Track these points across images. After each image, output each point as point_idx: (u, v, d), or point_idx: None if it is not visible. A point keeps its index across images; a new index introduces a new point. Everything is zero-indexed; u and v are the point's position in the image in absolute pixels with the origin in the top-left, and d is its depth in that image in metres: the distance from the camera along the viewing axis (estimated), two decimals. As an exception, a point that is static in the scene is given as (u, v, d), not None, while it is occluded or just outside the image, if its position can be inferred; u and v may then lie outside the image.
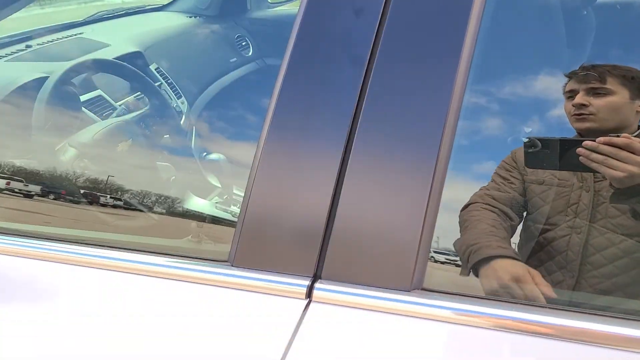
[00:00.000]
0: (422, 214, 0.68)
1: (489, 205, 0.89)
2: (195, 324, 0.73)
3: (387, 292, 0.67)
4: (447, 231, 0.77)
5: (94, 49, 1.84)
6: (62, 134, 1.32)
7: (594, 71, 0.87)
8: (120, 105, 1.60)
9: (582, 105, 0.84)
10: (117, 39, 1.98)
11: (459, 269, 0.85)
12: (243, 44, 2.33)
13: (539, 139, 0.84)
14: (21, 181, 1.21)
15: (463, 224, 0.88)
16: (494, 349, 0.63)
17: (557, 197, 0.87)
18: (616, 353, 0.59)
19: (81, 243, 0.82)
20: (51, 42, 1.88)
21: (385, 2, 0.71)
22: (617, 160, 0.76)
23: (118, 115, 1.52)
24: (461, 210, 0.90)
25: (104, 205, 1.14)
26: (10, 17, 1.53)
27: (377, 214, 0.69)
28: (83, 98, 1.49)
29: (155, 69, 1.91)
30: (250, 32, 2.36)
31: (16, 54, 1.73)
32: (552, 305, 0.64)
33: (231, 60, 2.24)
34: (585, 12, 1.48)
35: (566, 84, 0.90)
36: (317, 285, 0.70)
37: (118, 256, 0.78)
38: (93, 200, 1.13)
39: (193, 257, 0.77)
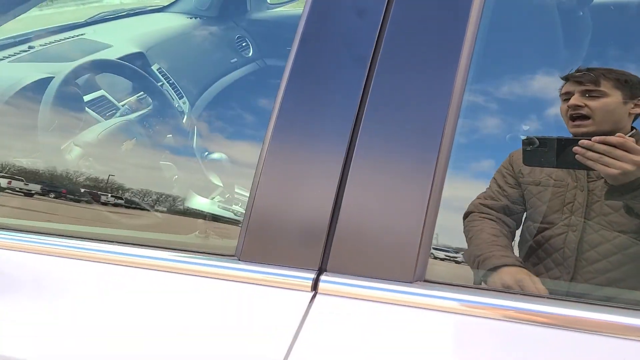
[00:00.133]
0: (424, 208, 0.70)
1: (487, 214, 0.92)
2: (203, 317, 0.76)
3: (391, 283, 0.70)
4: (446, 228, 0.79)
5: (97, 50, 1.86)
6: (68, 134, 1.35)
7: (590, 74, 0.89)
8: (123, 105, 1.62)
9: (578, 107, 0.87)
10: (119, 40, 2.00)
11: (459, 264, 0.88)
12: (243, 44, 2.36)
13: (537, 138, 0.86)
14: (21, 180, 1.23)
15: (467, 234, 0.92)
16: (494, 337, 0.65)
17: (553, 197, 0.90)
18: (610, 340, 0.61)
19: (91, 239, 0.84)
20: (53, 43, 1.90)
21: (387, 4, 0.73)
22: (611, 158, 0.79)
23: (121, 115, 1.54)
24: (463, 219, 0.94)
25: (110, 204, 1.16)
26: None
27: (380, 208, 0.72)
28: (87, 98, 1.51)
29: (157, 70, 1.93)
30: (250, 32, 2.39)
31: (19, 55, 1.75)
32: (550, 295, 0.67)
33: (231, 61, 2.26)
34: (582, 13, 1.51)
35: (562, 86, 0.92)
36: (322, 278, 0.73)
37: (128, 252, 0.81)
38: (100, 199, 1.15)
39: (201, 252, 0.80)
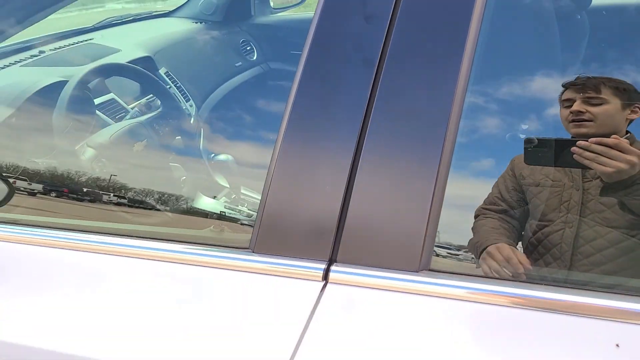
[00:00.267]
0: (428, 201, 0.74)
1: (490, 217, 0.98)
2: (220, 306, 0.80)
3: (398, 272, 0.74)
4: (448, 225, 0.83)
5: (106, 54, 1.90)
6: (82, 135, 1.39)
7: (590, 82, 0.95)
8: (133, 108, 1.66)
9: (580, 112, 0.92)
10: (127, 44, 2.05)
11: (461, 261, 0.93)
12: (247, 48, 2.40)
13: (537, 139, 0.92)
14: (25, 180, 1.27)
15: (473, 230, 0.98)
16: (496, 322, 0.69)
17: (551, 196, 0.95)
18: (606, 323, 0.65)
19: (110, 234, 0.89)
20: (63, 47, 1.95)
21: (393, 9, 0.78)
22: (607, 157, 0.85)
23: (132, 118, 1.58)
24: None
25: (127, 204, 1.20)
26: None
27: (387, 202, 0.76)
28: (99, 101, 1.56)
29: (164, 73, 1.98)
30: (254, 36, 2.43)
31: (31, 60, 1.80)
32: (550, 282, 0.71)
33: (236, 65, 2.31)
34: (579, 17, 1.56)
35: (562, 93, 0.97)
36: (332, 268, 0.77)
37: (149, 245, 0.85)
38: (116, 199, 1.20)
39: (217, 245, 0.84)
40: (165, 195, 1.31)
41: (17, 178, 1.27)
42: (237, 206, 1.35)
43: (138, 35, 2.24)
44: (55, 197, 1.21)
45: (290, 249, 0.79)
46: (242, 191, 1.46)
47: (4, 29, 1.50)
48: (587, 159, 0.86)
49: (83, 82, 1.42)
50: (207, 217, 1.26)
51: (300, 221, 0.79)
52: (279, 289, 0.79)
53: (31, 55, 1.82)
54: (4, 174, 1.28)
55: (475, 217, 1.00)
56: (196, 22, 2.39)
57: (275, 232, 0.81)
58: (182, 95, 1.95)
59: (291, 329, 0.75)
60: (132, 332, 0.80)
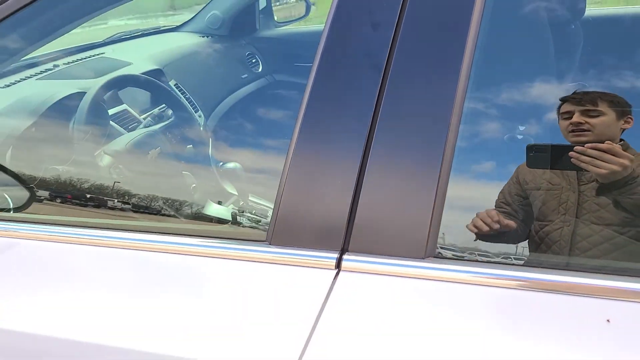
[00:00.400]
0: (433, 194, 0.80)
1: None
2: (240, 295, 0.86)
3: (406, 260, 0.80)
4: (451, 215, 0.89)
5: (118, 67, 1.97)
6: (101, 142, 1.46)
7: (587, 96, 1.03)
8: (148, 117, 1.73)
9: (579, 123, 1.00)
10: (138, 58, 2.12)
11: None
12: (253, 61, 2.47)
13: (539, 145, 1.00)
14: (46, 185, 1.33)
15: None
16: (495, 302, 0.76)
17: (551, 198, 1.03)
18: (595, 300, 0.72)
19: (138, 231, 0.95)
20: (76, 61, 2.02)
21: (398, 18, 0.84)
22: (601, 160, 0.93)
23: (146, 126, 1.65)
24: None
25: (150, 207, 1.27)
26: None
27: (394, 196, 0.82)
28: (115, 110, 1.63)
29: (174, 85, 2.05)
30: (259, 49, 2.51)
31: (46, 73, 1.87)
32: (546, 265, 0.77)
33: (242, 76, 2.38)
34: (573, 27, 1.63)
35: (560, 106, 1.05)
36: (345, 257, 0.83)
37: (177, 241, 0.92)
38: (138, 203, 1.26)
39: (237, 239, 0.91)
40: (186, 199, 1.38)
41: (39, 185, 1.34)
42: (252, 205, 1.41)
43: (147, 49, 2.32)
44: (77, 201, 1.27)
45: (304, 241, 0.86)
46: (251, 198, 1.52)
47: (23, 46, 1.56)
48: (584, 162, 0.94)
49: (102, 92, 1.49)
50: (226, 215, 1.33)
51: (314, 214, 0.86)
52: (295, 278, 0.85)
53: (46, 69, 1.89)
54: (25, 180, 1.34)
55: None
56: (203, 36, 2.47)
57: (290, 225, 0.87)
58: (191, 105, 2.02)
59: (307, 313, 0.81)
60: (167, 316, 0.86)
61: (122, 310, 0.90)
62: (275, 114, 2.07)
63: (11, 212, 1.20)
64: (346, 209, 0.84)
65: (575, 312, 0.73)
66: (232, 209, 1.34)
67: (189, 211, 1.34)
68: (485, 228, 0.94)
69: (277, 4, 2.71)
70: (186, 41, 2.42)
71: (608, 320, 0.71)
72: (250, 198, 1.41)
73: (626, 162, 0.93)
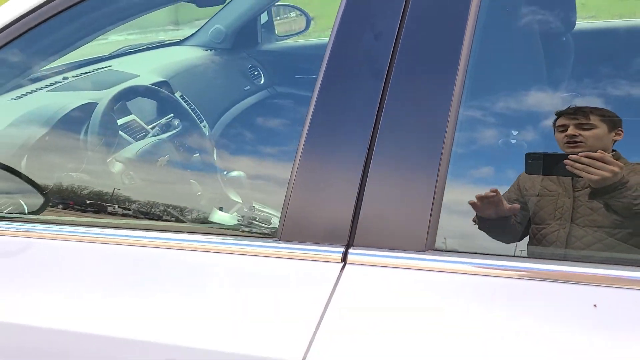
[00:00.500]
0: (432, 192, 0.86)
1: None
2: (254, 287, 0.92)
3: (406, 252, 0.86)
4: (450, 211, 0.95)
5: (125, 79, 2.04)
6: (112, 150, 1.52)
7: (581, 111, 1.10)
8: (157, 126, 1.80)
9: (574, 136, 1.08)
10: (144, 71, 2.19)
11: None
12: (255, 73, 2.54)
13: (537, 153, 1.08)
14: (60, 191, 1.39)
15: None
16: (491, 290, 0.82)
17: (548, 203, 1.09)
18: (583, 287, 0.78)
19: (156, 230, 1.01)
20: (85, 74, 2.09)
21: (398, 29, 0.91)
22: (593, 167, 1.00)
23: (155, 135, 1.71)
24: None
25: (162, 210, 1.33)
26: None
27: (396, 193, 0.88)
28: (127, 119, 1.69)
29: (180, 96, 2.11)
30: (261, 62, 2.58)
31: (56, 85, 1.93)
32: (538, 256, 0.83)
33: (245, 88, 2.45)
34: (565, 39, 1.70)
35: (556, 119, 1.12)
36: (350, 251, 0.89)
37: (195, 239, 0.99)
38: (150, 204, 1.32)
39: (250, 236, 0.97)
40: (200, 202, 1.44)
41: (53, 191, 1.39)
42: (261, 207, 1.47)
43: (153, 62, 2.38)
44: (90, 206, 1.33)
45: (312, 236, 0.92)
46: (257, 202, 1.57)
47: (34, 62, 1.61)
48: (578, 169, 1.01)
49: (114, 102, 1.56)
50: (239, 215, 1.39)
51: (321, 212, 0.92)
52: (304, 271, 0.91)
53: (56, 82, 1.95)
54: (40, 186, 1.40)
55: None
56: (206, 50, 2.54)
57: (299, 223, 0.93)
58: (196, 116, 2.09)
59: (315, 303, 0.87)
60: (186, 308, 0.93)
61: (144, 305, 0.96)
62: (277, 124, 2.14)
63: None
64: (351, 206, 0.90)
65: (566, 298, 0.79)
66: (244, 210, 1.40)
67: (204, 213, 1.40)
68: (484, 200, 1.01)
69: (278, 18, 2.78)
70: (190, 54, 2.49)
71: (595, 305, 0.77)
72: (256, 202, 1.47)
73: (616, 169, 1.00)
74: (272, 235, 0.95)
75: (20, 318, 1.03)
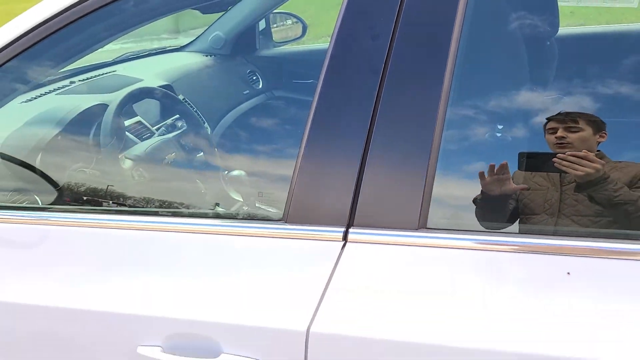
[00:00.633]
0: (423, 176, 0.96)
1: None
2: (264, 264, 1.01)
3: (401, 231, 0.96)
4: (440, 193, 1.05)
5: (130, 83, 2.12)
6: (123, 148, 1.62)
7: (570, 116, 1.21)
8: (159, 128, 1.89)
9: (563, 138, 1.19)
10: (148, 75, 2.28)
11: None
12: (254, 78, 2.64)
13: (529, 152, 1.20)
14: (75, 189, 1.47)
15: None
16: (481, 264, 0.92)
17: (537, 197, 1.20)
18: (559, 257, 0.88)
19: (172, 216, 1.11)
20: (91, 78, 2.17)
21: (393, 31, 1.00)
22: (579, 165, 1.11)
23: (162, 135, 1.81)
24: None
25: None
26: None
27: (392, 178, 0.98)
28: (135, 120, 1.79)
29: (182, 99, 2.20)
30: (259, 67, 2.68)
31: (64, 89, 2.02)
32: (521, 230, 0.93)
33: (244, 92, 2.54)
34: (549, 43, 1.81)
35: (546, 123, 1.23)
36: (350, 230, 0.99)
37: (212, 223, 1.11)
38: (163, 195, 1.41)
39: (258, 219, 1.06)
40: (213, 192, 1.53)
41: (66, 186, 1.48)
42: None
43: (155, 67, 2.47)
44: (105, 197, 1.42)
45: (315, 218, 1.01)
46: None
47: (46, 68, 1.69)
48: (565, 167, 1.12)
49: (125, 103, 1.65)
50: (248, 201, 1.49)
51: (323, 196, 1.01)
52: (308, 249, 1.00)
53: (63, 86, 2.04)
54: (53, 181, 1.49)
55: None
56: (207, 56, 2.63)
57: (303, 206, 1.02)
58: (199, 117, 2.18)
59: (319, 278, 0.97)
60: (203, 284, 1.03)
61: (169, 282, 1.06)
62: (275, 126, 2.24)
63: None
64: (351, 191, 0.99)
65: (542, 267, 0.89)
66: (252, 198, 1.50)
67: (216, 202, 1.50)
68: (494, 176, 1.11)
69: (275, 25, 2.88)
70: (191, 60, 2.58)
71: (568, 273, 0.87)
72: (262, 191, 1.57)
73: (598, 166, 1.11)
74: (279, 218, 1.05)
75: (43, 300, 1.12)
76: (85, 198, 1.43)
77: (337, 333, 0.94)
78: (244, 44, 2.72)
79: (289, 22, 2.92)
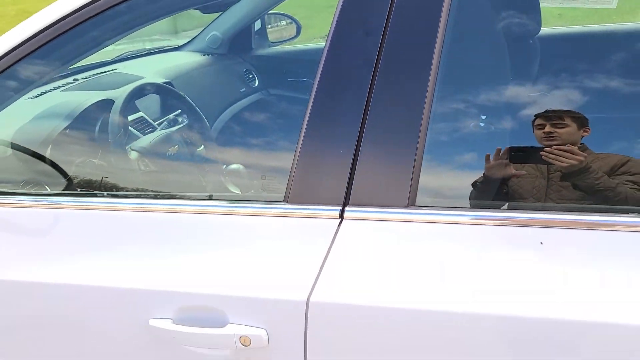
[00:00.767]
0: (412, 159, 1.06)
1: None
2: (267, 241, 1.11)
3: (392, 208, 1.06)
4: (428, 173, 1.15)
5: (132, 80, 2.21)
6: (126, 141, 1.71)
7: (556, 113, 1.31)
8: (161, 123, 1.98)
9: (550, 133, 1.29)
10: (148, 73, 2.37)
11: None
12: (250, 76, 2.73)
13: (520, 147, 1.28)
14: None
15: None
16: (464, 236, 1.02)
17: (526, 184, 1.30)
18: (532, 229, 0.98)
19: (182, 199, 1.20)
20: (94, 76, 2.26)
21: (384, 27, 1.10)
22: (564, 157, 1.21)
23: (165, 128, 1.90)
24: None
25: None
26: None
27: (383, 161, 1.08)
28: (139, 115, 1.87)
29: (183, 96, 2.29)
30: (255, 66, 2.77)
31: (68, 86, 2.10)
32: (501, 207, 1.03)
33: (241, 90, 2.64)
34: (531, 42, 1.92)
35: (534, 119, 1.33)
36: (346, 209, 1.08)
37: (218, 204, 1.20)
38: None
39: (262, 200, 1.16)
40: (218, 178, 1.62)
41: (76, 176, 1.57)
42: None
43: (155, 65, 2.56)
44: (116, 185, 1.51)
45: (314, 198, 1.11)
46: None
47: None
48: (551, 158, 1.23)
49: (131, 97, 1.74)
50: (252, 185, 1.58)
51: (322, 178, 1.11)
52: (308, 227, 1.10)
53: (67, 83, 2.13)
54: (62, 170, 1.57)
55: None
56: (204, 55, 2.72)
57: (303, 187, 1.12)
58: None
59: (318, 252, 1.06)
60: (211, 260, 1.12)
61: (181, 260, 1.15)
62: (270, 123, 2.34)
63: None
64: (346, 173, 1.09)
65: (518, 238, 1.00)
66: (255, 182, 1.59)
67: (221, 186, 1.59)
68: (498, 160, 1.21)
69: (270, 26, 2.97)
70: (189, 59, 2.67)
71: (541, 243, 0.97)
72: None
73: (581, 158, 1.21)
74: (280, 199, 1.14)
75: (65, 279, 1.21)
76: (95, 184, 1.52)
77: (335, 302, 1.03)
78: (240, 44, 2.82)
79: (283, 22, 3.01)
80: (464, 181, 1.22)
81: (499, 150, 1.21)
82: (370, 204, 1.07)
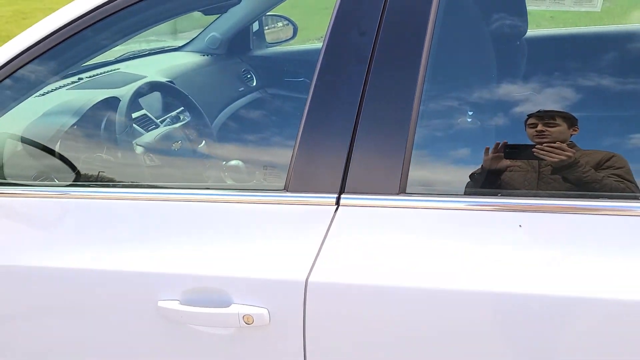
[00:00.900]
0: (403, 149, 1.14)
1: None
2: (269, 227, 1.19)
3: (384, 195, 1.14)
4: (418, 163, 1.23)
5: (135, 79, 2.29)
6: (134, 136, 1.79)
7: (548, 113, 1.39)
8: (164, 120, 2.06)
9: (542, 132, 1.37)
10: (150, 72, 2.44)
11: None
12: (248, 76, 2.82)
13: (514, 144, 1.35)
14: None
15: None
16: (451, 221, 1.10)
17: (519, 177, 1.38)
18: (513, 213, 1.07)
19: (187, 189, 1.28)
20: (98, 75, 2.34)
21: (377, 28, 1.18)
22: (554, 153, 1.30)
23: (168, 124, 1.98)
24: None
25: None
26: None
27: (376, 152, 1.16)
28: (143, 112, 1.95)
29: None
30: (253, 66, 2.85)
31: (74, 85, 2.18)
32: (485, 193, 1.12)
33: (239, 90, 2.72)
34: (518, 43, 2.00)
35: (527, 119, 1.41)
36: (342, 196, 1.16)
37: (223, 194, 1.28)
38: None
39: (263, 189, 1.24)
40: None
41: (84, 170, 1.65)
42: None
43: (156, 65, 2.64)
44: (124, 177, 1.59)
45: (313, 186, 1.19)
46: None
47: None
48: (542, 155, 1.31)
49: (137, 95, 1.82)
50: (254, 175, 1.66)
51: (319, 167, 1.19)
52: (306, 213, 1.18)
53: (72, 82, 2.20)
54: (71, 163, 1.65)
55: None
56: (203, 55, 2.80)
57: (302, 176, 1.20)
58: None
59: (316, 236, 1.15)
60: (217, 243, 1.20)
61: (182, 245, 1.23)
62: (268, 121, 2.42)
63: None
64: (342, 162, 1.17)
65: (499, 221, 1.09)
66: (257, 172, 1.67)
67: (225, 177, 1.67)
68: (497, 151, 1.29)
69: (268, 27, 3.06)
70: (189, 59, 2.75)
71: (520, 225, 1.06)
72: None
73: (570, 154, 1.29)
74: (281, 188, 1.22)
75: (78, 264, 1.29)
76: (104, 176, 1.60)
77: (331, 282, 1.12)
78: (238, 45, 2.90)
79: (280, 24, 3.09)
80: (451, 171, 1.31)
81: (497, 144, 1.29)
82: (364, 191, 1.16)
